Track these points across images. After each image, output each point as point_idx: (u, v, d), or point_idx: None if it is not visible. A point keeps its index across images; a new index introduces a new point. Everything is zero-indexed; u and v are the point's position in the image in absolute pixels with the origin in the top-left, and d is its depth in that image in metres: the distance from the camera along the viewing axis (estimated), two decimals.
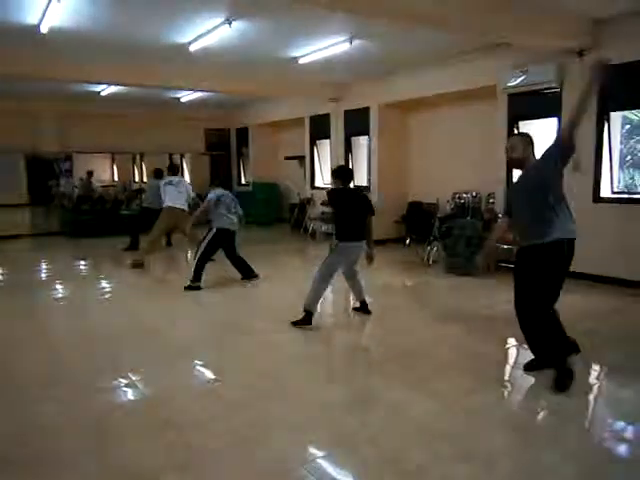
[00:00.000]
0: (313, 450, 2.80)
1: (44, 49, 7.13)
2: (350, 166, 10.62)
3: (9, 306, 5.90)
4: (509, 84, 7.02)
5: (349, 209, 4.94)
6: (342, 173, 5.08)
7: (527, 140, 3.52)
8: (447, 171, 8.98)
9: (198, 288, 6.28)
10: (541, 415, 3.24)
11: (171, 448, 2.81)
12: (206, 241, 6.38)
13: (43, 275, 8.01)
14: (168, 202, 7.82)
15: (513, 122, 7.31)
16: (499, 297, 5.96)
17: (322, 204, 10.85)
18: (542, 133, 7.22)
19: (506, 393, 3.59)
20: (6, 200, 14.53)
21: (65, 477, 2.56)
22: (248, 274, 6.76)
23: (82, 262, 8.89)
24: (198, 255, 6.37)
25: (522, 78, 6.82)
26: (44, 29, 6.02)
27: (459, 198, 8.47)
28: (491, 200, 7.92)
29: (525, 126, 7.32)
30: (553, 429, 2.98)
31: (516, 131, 7.35)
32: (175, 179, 8.06)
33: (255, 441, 2.87)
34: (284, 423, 3.08)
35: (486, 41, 6.97)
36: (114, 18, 5.96)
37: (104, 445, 2.85)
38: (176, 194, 7.86)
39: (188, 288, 6.26)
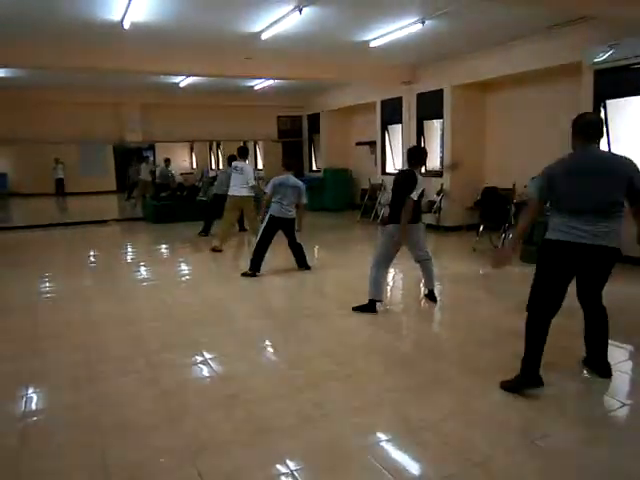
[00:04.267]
0: (376, 434, 2.81)
1: (127, 44, 7.53)
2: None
3: (98, 286, 6.38)
4: (596, 60, 6.52)
5: (403, 192, 4.83)
6: (412, 154, 5.06)
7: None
8: (525, 154, 8.55)
9: (253, 275, 6.35)
10: (620, 412, 3.05)
11: (239, 423, 2.94)
12: (261, 228, 6.46)
13: (128, 258, 8.54)
14: (229, 190, 7.90)
15: (599, 101, 6.80)
16: None
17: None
18: (635, 112, 6.72)
19: (583, 387, 3.41)
20: (96, 187, 15.70)
21: (144, 442, 2.76)
22: (301, 264, 6.66)
23: (163, 246, 9.39)
24: (256, 242, 6.49)
25: (610, 53, 6.31)
26: (127, 25, 6.35)
27: None
28: None
29: (613, 105, 6.82)
30: (627, 427, 2.80)
31: (602, 111, 6.85)
32: (239, 165, 7.92)
33: (319, 422, 2.94)
34: (348, 405, 3.11)
35: (569, 15, 6.50)
36: (190, 11, 6.16)
37: (179, 416, 3.03)
38: (237, 181, 7.83)
39: (244, 275, 6.37)
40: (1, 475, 2.54)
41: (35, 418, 3.12)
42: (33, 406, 3.28)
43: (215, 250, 8.01)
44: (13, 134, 12.00)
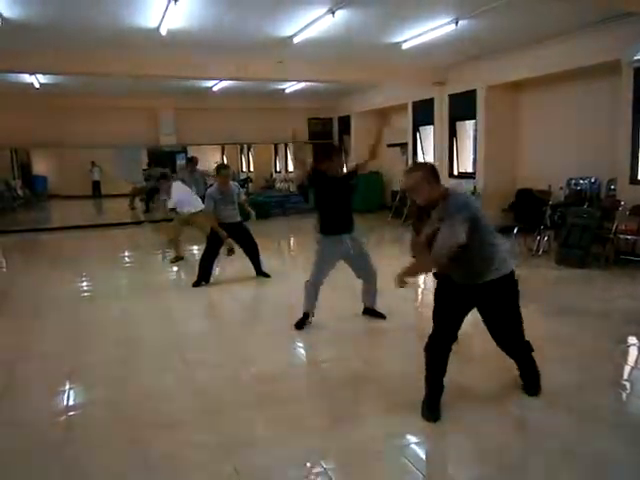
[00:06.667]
0: (409, 435, 2.81)
1: (164, 50, 7.70)
2: (455, 151, 10.30)
3: (134, 285, 6.54)
4: (636, 57, 6.34)
5: (327, 195, 4.39)
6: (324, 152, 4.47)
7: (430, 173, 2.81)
8: (561, 155, 8.36)
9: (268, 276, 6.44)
10: None
11: (272, 421, 2.98)
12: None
13: (162, 258, 8.70)
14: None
15: None
16: (616, 291, 5.51)
17: None
18: None
19: (624, 395, 3.33)
20: (131, 189, 16.07)
21: (181, 437, 2.83)
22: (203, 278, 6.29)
23: (195, 247, 9.52)
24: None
25: None
26: (163, 31, 6.50)
27: (575, 184, 7.87)
28: (612, 187, 7.26)
29: None
30: None
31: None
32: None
33: (352, 422, 2.95)
34: (381, 406, 3.12)
35: (608, 12, 6.34)
36: (225, 17, 6.27)
37: (214, 412, 3.10)
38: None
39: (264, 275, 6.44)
40: (48, 465, 2.65)
41: (77, 412, 3.24)
42: (75, 400, 3.40)
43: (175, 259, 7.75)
44: (53, 138, 12.43)
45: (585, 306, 5.13)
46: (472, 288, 2.91)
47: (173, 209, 7.56)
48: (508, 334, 3.08)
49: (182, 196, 7.45)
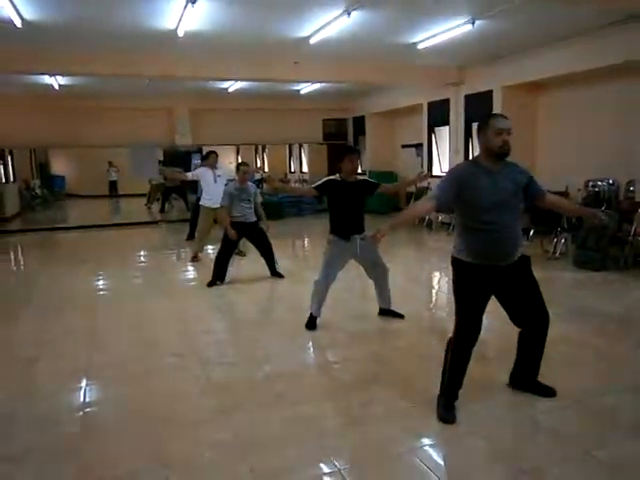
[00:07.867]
0: (424, 436, 2.80)
1: (181, 51, 7.78)
2: (471, 152, 10.22)
3: (150, 284, 6.61)
4: None
5: (339, 197, 4.46)
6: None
7: None
8: (579, 157, 8.26)
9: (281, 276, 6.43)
10: None
11: (286, 421, 2.99)
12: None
13: (177, 258, 8.78)
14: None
15: None
16: (635, 294, 5.43)
17: None
18: None
19: (637, 397, 3.27)
20: (147, 189, 16.24)
21: (196, 435, 2.86)
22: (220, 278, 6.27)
23: (209, 247, 9.59)
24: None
25: None
26: (181, 33, 6.57)
27: (593, 186, 7.76)
28: (631, 189, 7.16)
29: None
30: None
31: None
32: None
33: (366, 422, 2.95)
34: (395, 407, 3.11)
35: (625, 12, 6.25)
36: (241, 18, 6.31)
37: (230, 412, 3.11)
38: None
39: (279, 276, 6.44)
40: (67, 459, 2.69)
41: (93, 409, 3.28)
42: (92, 397, 3.44)
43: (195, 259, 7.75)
44: (71, 139, 12.61)
45: (603, 309, 5.06)
46: (500, 270, 2.89)
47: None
48: (537, 305, 3.02)
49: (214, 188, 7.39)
